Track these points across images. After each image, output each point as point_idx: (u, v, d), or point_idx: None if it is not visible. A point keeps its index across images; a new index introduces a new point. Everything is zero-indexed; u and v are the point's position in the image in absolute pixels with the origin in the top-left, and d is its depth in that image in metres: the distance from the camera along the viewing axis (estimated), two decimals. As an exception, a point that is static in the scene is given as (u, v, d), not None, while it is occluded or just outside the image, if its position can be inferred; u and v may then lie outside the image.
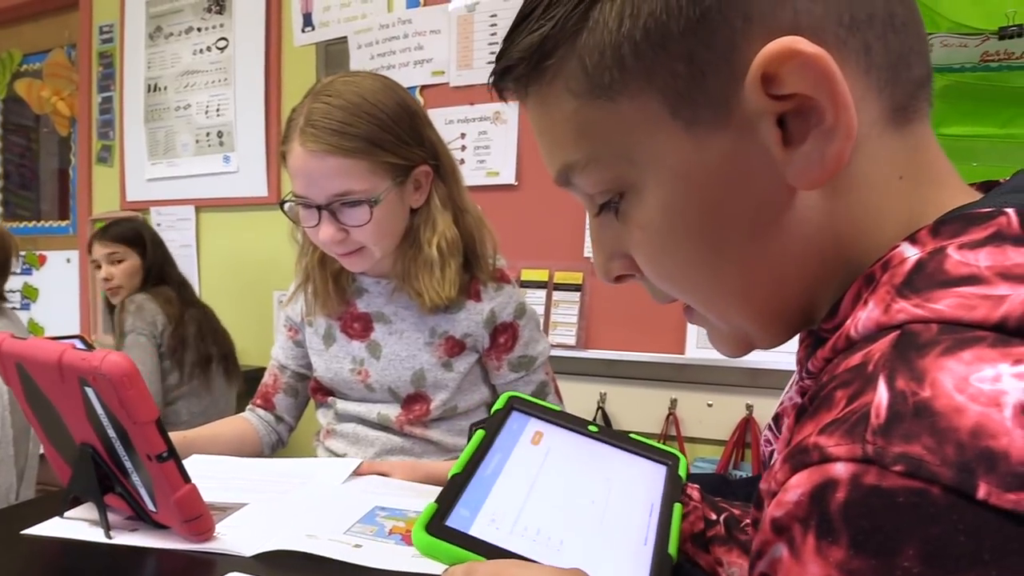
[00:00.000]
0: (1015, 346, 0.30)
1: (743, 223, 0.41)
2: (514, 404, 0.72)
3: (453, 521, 0.54)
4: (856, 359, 0.34)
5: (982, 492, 0.26)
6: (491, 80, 0.46)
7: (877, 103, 0.39)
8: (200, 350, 2.21)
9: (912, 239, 0.37)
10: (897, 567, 0.27)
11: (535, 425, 0.71)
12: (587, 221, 2.07)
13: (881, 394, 0.30)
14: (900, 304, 0.34)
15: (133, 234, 2.25)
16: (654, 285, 0.48)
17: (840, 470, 0.29)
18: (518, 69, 0.44)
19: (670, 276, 0.45)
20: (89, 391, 0.73)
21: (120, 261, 2.23)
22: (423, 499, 0.95)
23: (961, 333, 0.31)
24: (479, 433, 0.65)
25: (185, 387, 2.17)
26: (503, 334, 1.15)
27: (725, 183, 0.40)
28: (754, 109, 0.38)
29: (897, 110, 0.40)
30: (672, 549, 0.60)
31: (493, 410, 0.71)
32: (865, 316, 0.36)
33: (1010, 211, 0.35)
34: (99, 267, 2.27)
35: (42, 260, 3.32)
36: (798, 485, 0.30)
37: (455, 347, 1.14)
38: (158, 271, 2.27)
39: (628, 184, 0.43)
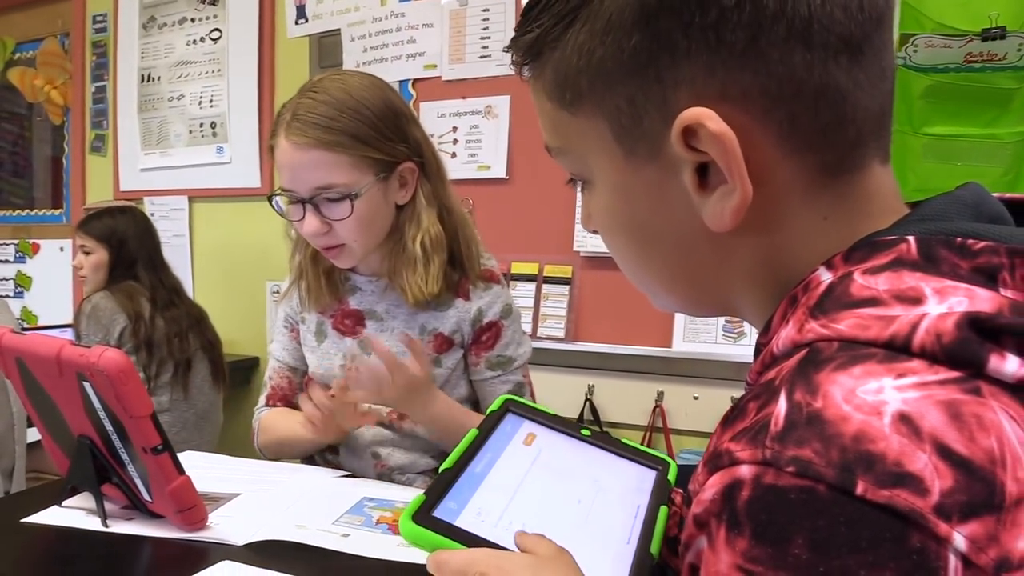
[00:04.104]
0: (901, 361, 0.34)
1: (667, 237, 0.47)
2: (509, 407, 0.73)
3: (440, 512, 0.56)
4: (772, 374, 0.38)
5: (860, 489, 0.30)
6: (511, 52, 0.51)
7: (800, 162, 0.42)
8: (171, 348, 2.13)
9: (828, 264, 0.41)
10: (789, 554, 0.30)
11: (529, 427, 0.72)
12: (577, 214, 2.06)
13: (781, 405, 0.34)
14: (811, 324, 0.38)
15: (106, 231, 2.20)
16: None
17: (745, 472, 0.33)
18: (519, 56, 0.49)
19: (614, 252, 0.53)
20: (87, 386, 0.76)
21: (89, 253, 2.20)
22: (410, 492, 0.98)
23: (856, 350, 0.35)
24: (471, 432, 0.66)
25: (151, 384, 2.10)
26: (486, 332, 1.18)
27: (653, 205, 0.46)
28: (677, 156, 0.42)
29: (825, 166, 0.42)
30: (654, 549, 0.61)
31: (488, 411, 0.72)
32: (784, 335, 0.40)
33: (911, 239, 0.39)
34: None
35: (35, 248, 3.32)
36: (713, 485, 0.34)
37: (444, 344, 1.17)
38: (126, 270, 2.19)
39: (585, 178, 0.50)
